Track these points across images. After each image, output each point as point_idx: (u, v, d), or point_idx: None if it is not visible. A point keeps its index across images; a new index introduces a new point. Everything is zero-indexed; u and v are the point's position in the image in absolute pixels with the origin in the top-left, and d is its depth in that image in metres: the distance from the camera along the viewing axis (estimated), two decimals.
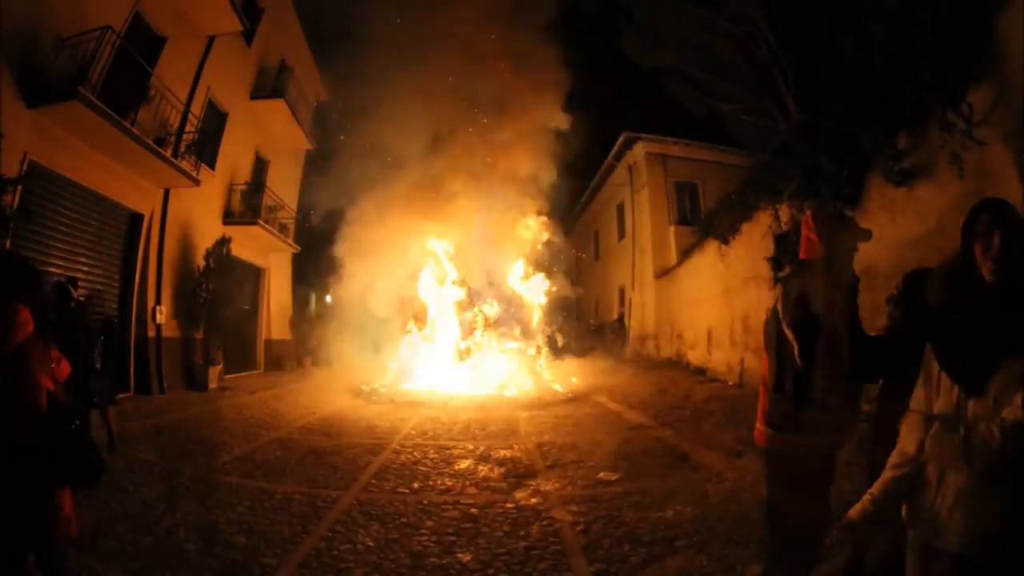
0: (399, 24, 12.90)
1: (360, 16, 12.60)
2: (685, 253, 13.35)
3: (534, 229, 13.34)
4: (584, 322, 19.53)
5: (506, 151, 12.76)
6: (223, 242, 10.33)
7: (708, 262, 11.19)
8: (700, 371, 11.29)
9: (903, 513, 1.40)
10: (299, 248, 14.90)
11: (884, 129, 4.96)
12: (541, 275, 13.35)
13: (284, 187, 14.84)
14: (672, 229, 15.85)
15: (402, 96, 12.33)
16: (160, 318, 8.92)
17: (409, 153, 12.66)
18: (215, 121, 10.95)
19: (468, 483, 4.03)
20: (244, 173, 12.55)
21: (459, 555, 2.71)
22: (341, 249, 12.99)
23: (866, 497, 1.44)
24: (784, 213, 7.25)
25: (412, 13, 13.11)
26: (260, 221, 12.06)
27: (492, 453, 4.99)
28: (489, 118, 12.83)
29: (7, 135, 5.54)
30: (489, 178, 12.81)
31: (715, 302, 10.79)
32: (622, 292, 19.17)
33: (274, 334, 14.47)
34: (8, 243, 5.57)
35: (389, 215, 12.46)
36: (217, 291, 9.97)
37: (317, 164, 14.80)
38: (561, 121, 12.99)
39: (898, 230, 5.10)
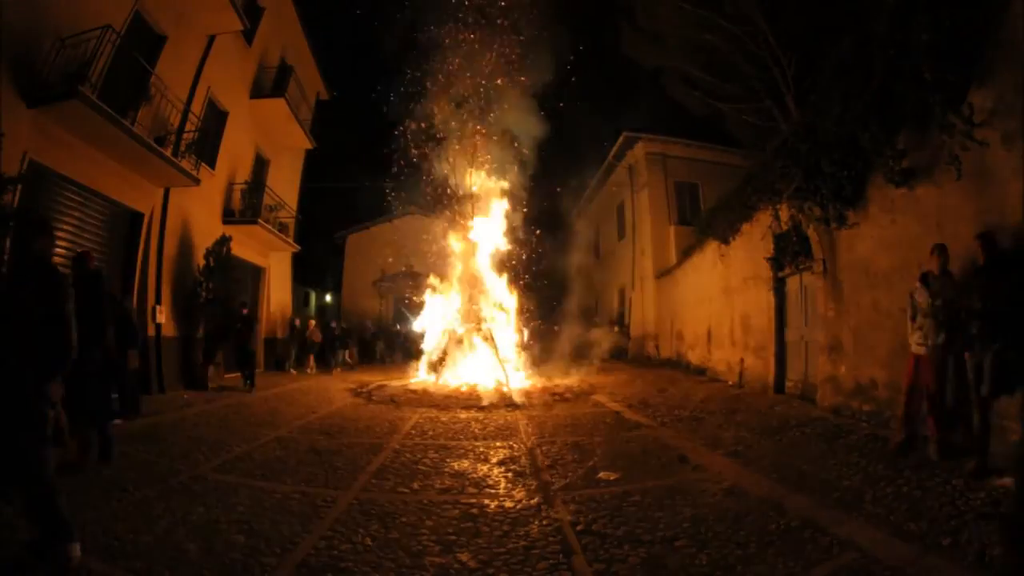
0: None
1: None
2: (685, 253, 13.34)
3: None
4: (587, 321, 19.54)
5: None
6: (223, 241, 10.33)
7: (708, 262, 11.19)
8: (700, 371, 11.30)
9: None
10: (299, 247, 14.90)
11: (884, 129, 4.96)
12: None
13: (284, 186, 14.86)
14: (672, 229, 15.84)
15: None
16: (160, 317, 8.92)
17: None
18: (215, 120, 10.95)
19: (468, 483, 4.03)
20: (244, 172, 12.56)
21: (459, 555, 2.70)
22: None
23: None
24: (784, 213, 7.25)
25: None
26: (260, 220, 12.06)
27: (492, 453, 4.99)
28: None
29: (7, 134, 5.53)
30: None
31: (715, 302, 10.79)
32: (622, 292, 19.18)
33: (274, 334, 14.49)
34: (8, 243, 5.57)
35: None
36: (217, 291, 9.98)
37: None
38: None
39: (898, 230, 5.11)
